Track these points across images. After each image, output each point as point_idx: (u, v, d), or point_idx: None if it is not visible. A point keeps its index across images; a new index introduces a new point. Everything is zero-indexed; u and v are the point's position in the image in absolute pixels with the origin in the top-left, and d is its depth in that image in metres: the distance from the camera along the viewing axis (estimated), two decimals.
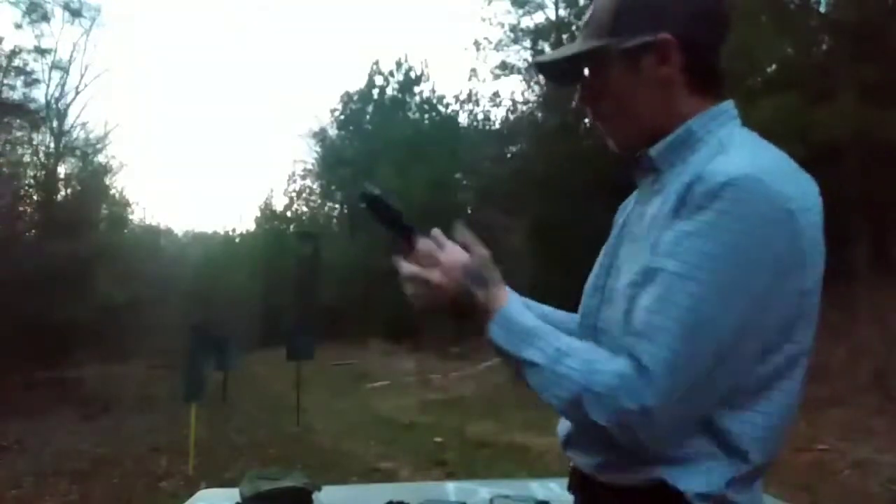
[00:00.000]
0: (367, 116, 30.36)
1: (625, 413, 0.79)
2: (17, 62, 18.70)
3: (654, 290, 0.82)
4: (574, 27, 20.09)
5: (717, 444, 0.85)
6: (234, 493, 1.76)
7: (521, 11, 21.07)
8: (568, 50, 1.01)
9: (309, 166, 35.02)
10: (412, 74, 29.39)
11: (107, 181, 25.06)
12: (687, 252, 0.80)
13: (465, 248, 1.04)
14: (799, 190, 0.84)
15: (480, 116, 27.89)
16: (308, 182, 35.89)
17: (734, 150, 0.87)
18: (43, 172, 20.94)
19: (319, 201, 36.36)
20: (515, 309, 0.94)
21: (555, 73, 1.10)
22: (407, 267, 1.00)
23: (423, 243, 1.06)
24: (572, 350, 0.87)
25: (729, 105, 0.95)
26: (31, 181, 20.52)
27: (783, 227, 0.80)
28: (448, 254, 1.01)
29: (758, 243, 0.79)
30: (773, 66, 11.27)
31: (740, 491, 0.86)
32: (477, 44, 22.55)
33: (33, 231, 19.51)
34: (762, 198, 0.79)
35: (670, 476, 0.84)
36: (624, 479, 0.89)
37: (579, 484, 1.00)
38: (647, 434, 0.80)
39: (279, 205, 37.34)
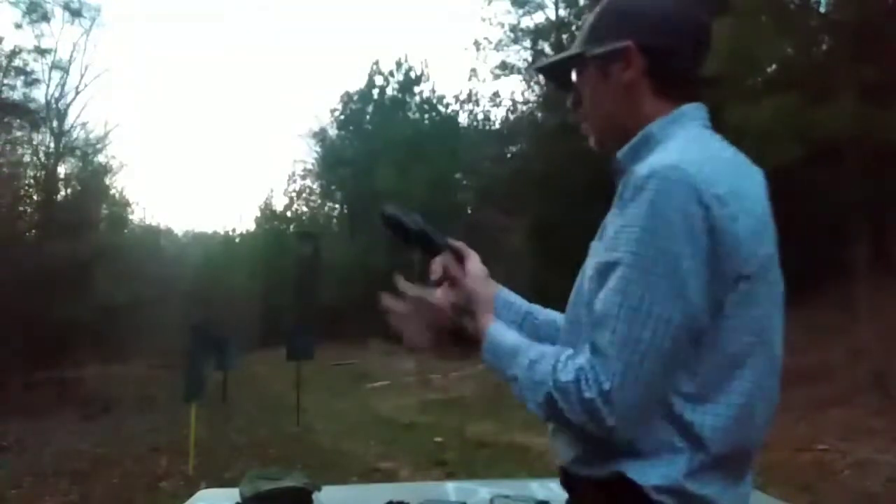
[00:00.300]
0: (367, 116, 30.36)
1: (587, 402, 0.84)
2: (17, 62, 18.74)
3: (604, 283, 0.88)
4: (574, 27, 20.10)
5: (678, 435, 0.88)
6: (234, 493, 1.76)
7: (521, 11, 21.09)
8: (556, 56, 1.11)
9: (309, 166, 35.05)
10: (412, 74, 29.41)
11: (107, 181, 25.10)
12: (621, 243, 0.86)
13: (459, 259, 1.18)
14: (731, 179, 0.87)
15: (480, 116, 27.94)
16: (308, 182, 35.92)
17: (671, 145, 0.92)
18: (43, 172, 20.94)
19: (319, 201, 36.37)
20: (498, 331, 1.03)
21: (555, 78, 1.16)
22: (402, 307, 1.14)
23: (435, 266, 1.19)
24: (543, 356, 0.92)
25: (692, 108, 0.98)
26: (31, 181, 20.53)
27: (706, 212, 0.83)
28: (438, 298, 1.14)
29: (679, 228, 0.83)
30: (773, 66, 11.27)
31: (702, 483, 0.88)
32: (477, 44, 22.58)
33: (33, 231, 19.51)
34: (683, 185, 0.83)
35: (629, 469, 0.88)
36: (591, 472, 0.93)
37: (563, 479, 1.04)
38: (613, 419, 0.83)
39: (279, 205, 37.38)
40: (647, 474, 0.87)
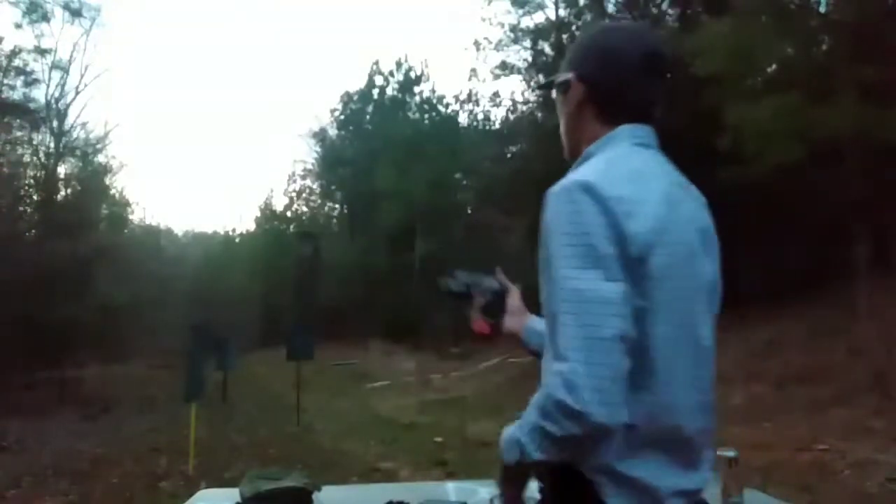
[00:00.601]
0: (367, 116, 30.36)
1: (561, 403, 0.87)
2: (17, 62, 18.72)
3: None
4: (574, 27, 20.09)
5: None
6: (234, 493, 1.76)
7: (521, 11, 21.06)
8: (544, 81, 1.29)
9: (309, 166, 35.07)
10: (412, 74, 29.40)
11: (107, 181, 25.09)
12: (544, 259, 0.98)
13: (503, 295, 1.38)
14: (630, 186, 0.97)
15: (480, 116, 27.93)
16: (308, 182, 35.94)
17: (591, 162, 1.05)
18: (43, 172, 20.92)
19: (319, 201, 36.39)
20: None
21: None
22: None
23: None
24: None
25: (626, 129, 1.09)
26: (31, 181, 20.51)
27: (604, 220, 0.93)
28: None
29: (578, 237, 0.93)
30: (773, 66, 11.27)
31: (632, 464, 0.95)
32: (477, 44, 22.54)
33: (33, 231, 19.50)
34: (579, 199, 0.94)
35: None
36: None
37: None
38: (586, 404, 0.86)
39: (279, 205, 37.41)
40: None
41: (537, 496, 1.08)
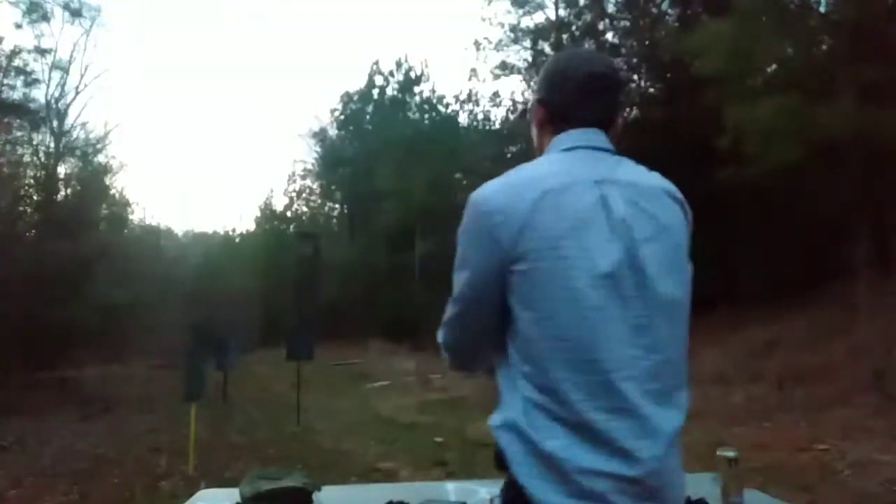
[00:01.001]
0: (367, 116, 30.37)
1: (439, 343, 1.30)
2: (17, 62, 18.71)
3: None
4: (574, 27, 20.10)
5: (506, 389, 1.14)
6: (234, 493, 1.76)
7: (521, 11, 21.09)
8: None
9: (309, 166, 35.09)
10: (412, 74, 29.42)
11: (107, 181, 25.07)
12: None
13: None
14: (506, 198, 1.14)
15: (480, 116, 27.95)
16: (308, 182, 35.97)
17: (503, 175, 1.21)
18: (43, 172, 20.92)
19: (319, 201, 36.40)
20: None
21: None
22: None
23: None
24: None
25: (558, 138, 1.24)
26: (31, 181, 20.51)
27: (479, 229, 1.16)
28: None
29: (468, 240, 1.19)
30: (773, 66, 11.28)
31: (539, 426, 1.07)
32: (477, 44, 22.59)
33: (33, 231, 19.50)
34: (467, 212, 1.19)
35: (491, 419, 1.15)
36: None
37: None
38: (441, 344, 1.29)
39: (279, 205, 37.42)
40: (494, 419, 1.14)
41: None
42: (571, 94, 1.24)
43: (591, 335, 1.07)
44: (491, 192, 1.18)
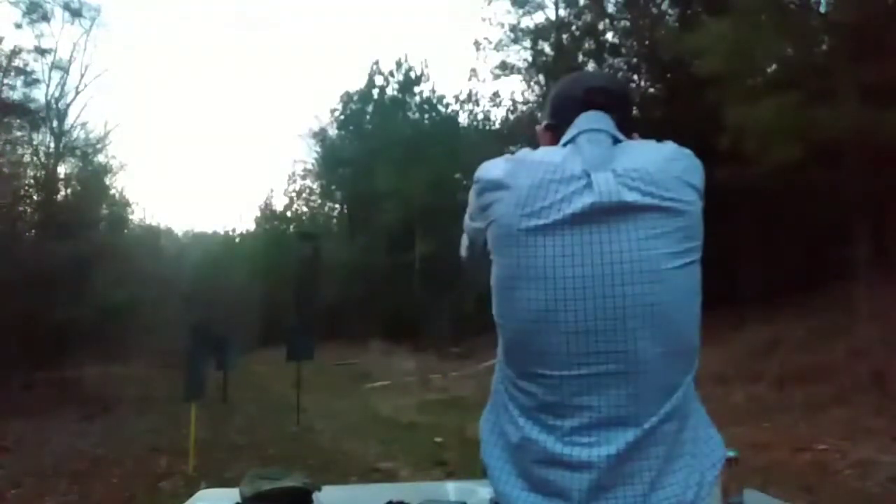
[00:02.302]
0: (367, 116, 30.36)
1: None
2: (17, 62, 18.69)
3: None
4: (574, 27, 20.10)
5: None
6: (234, 493, 1.76)
7: (521, 11, 21.09)
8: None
9: (309, 166, 35.08)
10: (412, 74, 29.40)
11: (107, 181, 25.04)
12: None
13: None
14: (504, 174, 1.16)
15: (480, 116, 27.95)
16: (308, 182, 35.95)
17: None
18: (43, 172, 20.90)
19: (319, 201, 36.39)
20: None
21: None
22: None
23: None
24: None
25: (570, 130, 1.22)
26: (31, 181, 20.49)
27: (474, 193, 1.23)
28: None
29: (471, 205, 1.26)
30: (773, 66, 11.28)
31: (511, 393, 1.13)
32: (477, 44, 22.59)
33: (33, 231, 19.49)
34: (477, 175, 1.24)
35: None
36: None
37: None
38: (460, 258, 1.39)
39: (279, 205, 37.43)
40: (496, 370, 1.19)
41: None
42: (575, 114, 1.23)
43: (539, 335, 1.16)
44: (491, 167, 1.26)
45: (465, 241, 1.35)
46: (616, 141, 1.16)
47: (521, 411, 1.11)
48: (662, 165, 1.12)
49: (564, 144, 1.19)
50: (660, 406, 1.06)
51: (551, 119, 1.29)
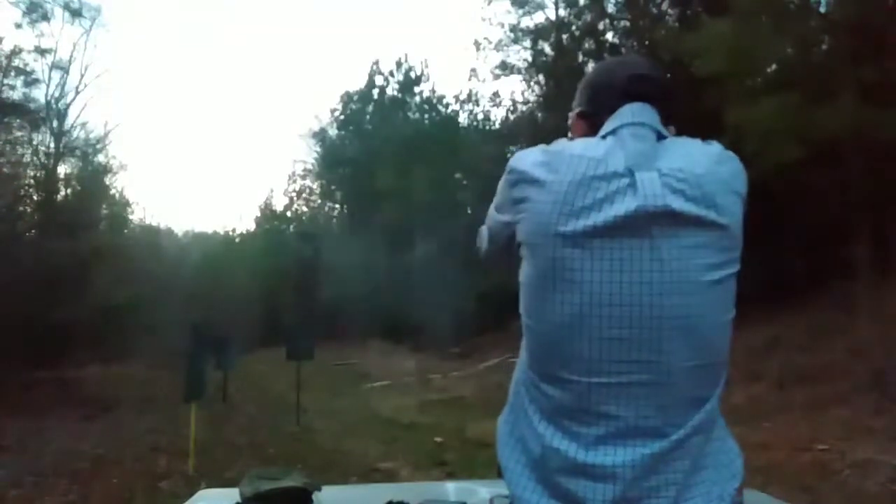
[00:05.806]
0: (367, 116, 30.35)
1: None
2: (17, 62, 18.67)
3: None
4: (574, 27, 20.08)
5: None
6: (234, 493, 1.76)
7: (521, 11, 21.07)
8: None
9: (309, 166, 35.03)
10: (412, 74, 29.40)
11: (107, 181, 25.03)
12: None
13: None
14: (538, 167, 1.09)
15: (480, 116, 27.94)
16: (308, 182, 35.90)
17: None
18: (43, 172, 20.90)
19: (319, 201, 36.35)
20: None
21: None
22: None
23: None
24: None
25: (611, 121, 1.15)
26: (31, 181, 20.49)
27: (505, 183, 1.15)
28: None
29: (500, 196, 1.19)
30: (773, 66, 11.28)
31: (531, 389, 1.11)
32: (477, 44, 22.57)
33: (33, 231, 19.49)
34: (510, 165, 1.15)
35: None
36: None
37: None
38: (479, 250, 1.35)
39: (279, 205, 37.31)
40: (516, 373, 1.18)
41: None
42: (614, 103, 1.15)
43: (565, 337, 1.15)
44: (525, 158, 1.22)
45: (484, 232, 1.28)
46: (660, 137, 1.09)
47: (541, 415, 1.08)
48: (710, 168, 1.06)
49: (604, 136, 1.11)
50: (687, 418, 1.04)
51: (587, 107, 1.22)
